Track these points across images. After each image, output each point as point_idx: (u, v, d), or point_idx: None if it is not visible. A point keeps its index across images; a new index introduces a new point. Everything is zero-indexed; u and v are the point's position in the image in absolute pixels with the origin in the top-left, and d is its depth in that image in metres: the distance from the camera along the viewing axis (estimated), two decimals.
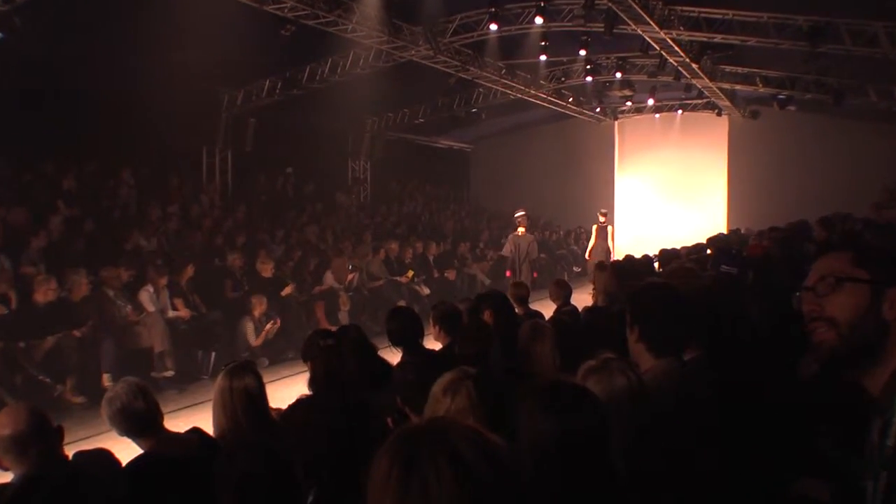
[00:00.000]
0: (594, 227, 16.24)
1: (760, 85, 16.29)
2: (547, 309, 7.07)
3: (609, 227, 16.16)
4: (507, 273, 13.38)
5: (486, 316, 5.04)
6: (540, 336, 3.93)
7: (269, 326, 9.94)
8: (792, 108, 16.92)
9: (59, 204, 10.75)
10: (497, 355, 4.12)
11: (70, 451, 3.00)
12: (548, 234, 19.92)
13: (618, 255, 17.50)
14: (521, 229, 13.04)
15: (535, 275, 13.38)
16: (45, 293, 7.92)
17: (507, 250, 13.30)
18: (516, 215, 13.47)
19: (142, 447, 3.15)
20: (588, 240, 17.06)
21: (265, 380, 3.50)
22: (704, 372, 2.82)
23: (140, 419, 3.12)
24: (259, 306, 9.94)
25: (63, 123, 11.56)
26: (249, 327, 9.88)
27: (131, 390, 3.13)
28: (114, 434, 3.19)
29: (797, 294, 1.64)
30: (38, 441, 2.81)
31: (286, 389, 3.51)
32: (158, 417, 3.20)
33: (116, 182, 12.63)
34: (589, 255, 16.33)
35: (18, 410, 2.91)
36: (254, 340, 9.84)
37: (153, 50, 11.10)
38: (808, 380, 2.60)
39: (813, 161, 17.88)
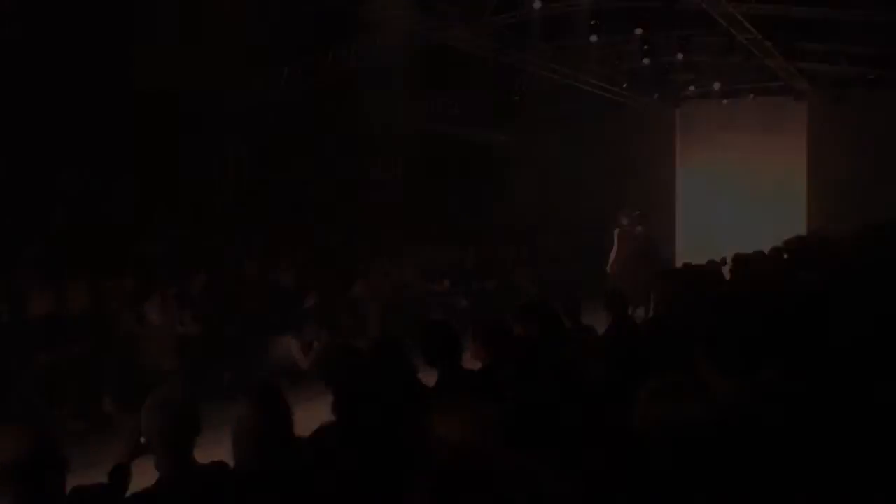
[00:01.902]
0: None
1: (847, 64, 15.99)
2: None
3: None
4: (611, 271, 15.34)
5: (532, 331, 5.03)
6: None
7: (317, 345, 10.10)
8: (885, 89, 16.59)
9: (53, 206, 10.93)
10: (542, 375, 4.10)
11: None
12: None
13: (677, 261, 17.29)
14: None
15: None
16: (38, 305, 8.05)
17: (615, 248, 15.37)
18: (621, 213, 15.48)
19: (159, 470, 3.02)
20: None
21: None
22: (780, 396, 2.77)
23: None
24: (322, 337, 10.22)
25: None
26: (295, 346, 10.03)
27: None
28: None
29: None
30: (39, 473, 2.62)
31: (305, 414, 3.50)
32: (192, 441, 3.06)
33: (118, 181, 12.79)
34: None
35: (22, 434, 2.71)
36: (304, 362, 9.97)
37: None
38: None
39: None
